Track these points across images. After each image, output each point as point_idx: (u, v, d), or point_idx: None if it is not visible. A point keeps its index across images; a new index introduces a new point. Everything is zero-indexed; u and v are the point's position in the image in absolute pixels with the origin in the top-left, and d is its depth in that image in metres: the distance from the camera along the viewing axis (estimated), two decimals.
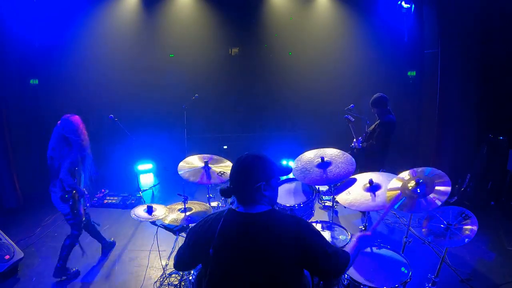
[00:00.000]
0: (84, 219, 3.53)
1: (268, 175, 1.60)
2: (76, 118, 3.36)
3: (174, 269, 3.45)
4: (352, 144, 4.47)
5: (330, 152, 3.09)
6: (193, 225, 1.70)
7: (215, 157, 3.47)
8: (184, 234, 2.90)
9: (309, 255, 1.49)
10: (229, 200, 3.23)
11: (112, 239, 4.07)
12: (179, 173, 3.20)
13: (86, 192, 3.52)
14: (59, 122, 3.30)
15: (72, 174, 3.24)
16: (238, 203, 1.59)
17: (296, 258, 1.47)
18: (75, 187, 3.28)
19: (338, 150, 3.11)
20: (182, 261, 1.71)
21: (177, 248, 3.81)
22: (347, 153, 3.07)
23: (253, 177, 1.55)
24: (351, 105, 5.28)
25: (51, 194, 3.32)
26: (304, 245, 1.48)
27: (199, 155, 3.46)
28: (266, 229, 1.50)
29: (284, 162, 6.76)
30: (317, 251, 1.51)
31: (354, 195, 2.74)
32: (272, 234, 1.48)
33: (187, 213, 2.93)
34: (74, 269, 3.50)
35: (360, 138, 4.48)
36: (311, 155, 3.09)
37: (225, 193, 1.59)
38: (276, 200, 1.71)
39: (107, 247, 3.93)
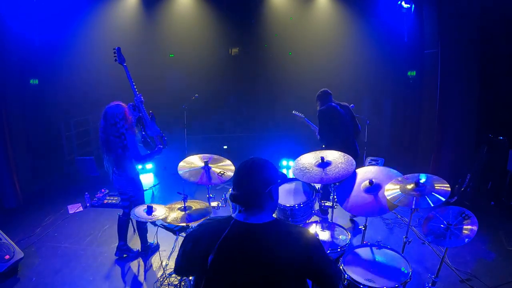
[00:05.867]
0: None
1: (275, 179, 1.56)
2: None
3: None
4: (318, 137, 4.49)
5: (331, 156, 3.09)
6: (190, 230, 1.61)
7: (215, 156, 3.47)
8: (184, 234, 2.90)
9: (314, 274, 1.48)
10: (229, 201, 3.22)
11: (156, 242, 3.93)
12: (179, 173, 3.20)
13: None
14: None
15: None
16: (244, 209, 1.48)
17: (301, 275, 1.44)
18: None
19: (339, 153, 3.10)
20: (179, 268, 1.63)
21: (177, 248, 3.84)
22: (347, 155, 3.06)
23: (265, 181, 1.50)
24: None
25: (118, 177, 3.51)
26: (311, 264, 1.44)
27: (199, 155, 3.46)
28: (272, 241, 1.42)
29: (284, 162, 6.78)
30: (323, 272, 1.49)
31: (355, 198, 2.74)
32: (278, 248, 1.40)
33: (187, 212, 2.93)
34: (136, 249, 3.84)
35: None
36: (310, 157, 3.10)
37: (236, 199, 1.49)
38: (277, 206, 1.64)
39: (146, 249, 3.87)
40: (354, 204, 2.70)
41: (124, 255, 3.78)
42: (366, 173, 2.95)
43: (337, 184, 3.03)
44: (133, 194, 3.59)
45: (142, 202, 3.55)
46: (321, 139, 4.30)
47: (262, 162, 1.54)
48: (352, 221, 4.56)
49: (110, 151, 3.38)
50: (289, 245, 1.41)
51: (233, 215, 1.50)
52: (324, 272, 1.49)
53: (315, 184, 3.06)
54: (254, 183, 1.48)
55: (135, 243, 4.11)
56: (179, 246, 1.58)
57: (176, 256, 1.62)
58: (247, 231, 1.44)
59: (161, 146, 3.71)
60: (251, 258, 1.39)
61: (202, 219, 2.84)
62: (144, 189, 5.71)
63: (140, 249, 3.85)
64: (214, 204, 3.34)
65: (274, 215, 1.54)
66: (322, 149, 3.43)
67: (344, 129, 4.27)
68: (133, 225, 3.88)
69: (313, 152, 3.13)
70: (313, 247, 1.46)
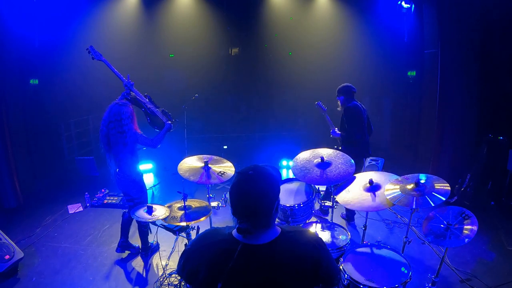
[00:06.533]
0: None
1: (279, 188, 1.43)
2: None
3: (174, 269, 3.46)
4: (331, 135, 4.47)
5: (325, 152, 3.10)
6: (188, 247, 1.48)
7: (215, 157, 3.47)
8: (184, 234, 2.90)
9: (321, 281, 1.45)
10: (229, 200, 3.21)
11: (156, 242, 3.91)
12: (179, 172, 3.21)
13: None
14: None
15: None
16: (250, 230, 1.34)
17: (309, 284, 1.40)
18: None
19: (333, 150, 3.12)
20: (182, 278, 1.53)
21: (177, 248, 3.84)
22: (346, 154, 3.06)
23: (273, 199, 1.37)
24: None
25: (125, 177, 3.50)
26: (321, 272, 1.41)
27: (199, 156, 3.47)
28: (283, 259, 1.35)
29: (284, 162, 6.78)
30: (329, 276, 1.47)
31: (353, 194, 2.75)
32: (289, 266, 1.34)
33: (187, 211, 2.93)
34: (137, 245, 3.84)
35: (335, 128, 4.44)
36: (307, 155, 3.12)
37: (248, 232, 1.34)
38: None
39: (146, 249, 3.85)
40: (352, 200, 2.71)
41: (126, 252, 3.78)
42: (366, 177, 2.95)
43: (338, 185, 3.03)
44: (136, 196, 3.57)
45: (145, 204, 3.54)
46: (350, 135, 4.16)
47: (266, 178, 1.38)
48: (348, 221, 4.55)
49: (110, 146, 3.37)
50: (300, 259, 1.37)
51: (234, 234, 1.39)
52: (330, 275, 1.47)
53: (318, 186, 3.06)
54: (263, 208, 1.35)
55: (135, 242, 4.11)
56: (180, 257, 1.50)
57: (177, 266, 1.52)
58: (256, 254, 1.35)
59: (169, 122, 3.73)
60: (263, 280, 1.33)
61: (202, 218, 2.85)
62: None
63: (140, 248, 3.85)
64: (214, 204, 3.35)
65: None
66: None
67: (365, 129, 4.32)
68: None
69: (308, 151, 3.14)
70: (325, 259, 1.42)
